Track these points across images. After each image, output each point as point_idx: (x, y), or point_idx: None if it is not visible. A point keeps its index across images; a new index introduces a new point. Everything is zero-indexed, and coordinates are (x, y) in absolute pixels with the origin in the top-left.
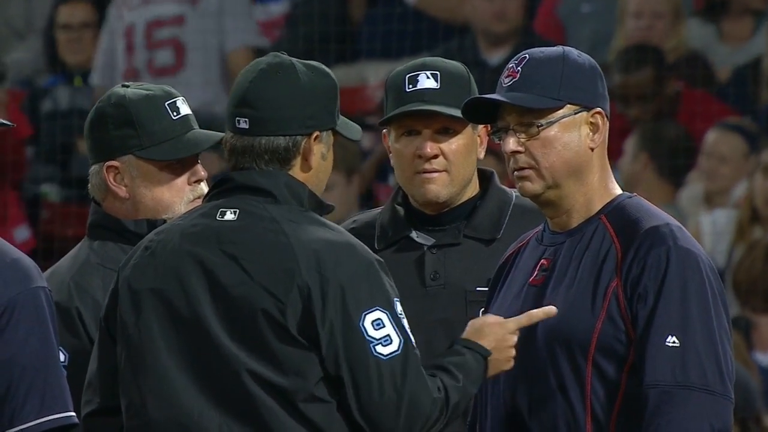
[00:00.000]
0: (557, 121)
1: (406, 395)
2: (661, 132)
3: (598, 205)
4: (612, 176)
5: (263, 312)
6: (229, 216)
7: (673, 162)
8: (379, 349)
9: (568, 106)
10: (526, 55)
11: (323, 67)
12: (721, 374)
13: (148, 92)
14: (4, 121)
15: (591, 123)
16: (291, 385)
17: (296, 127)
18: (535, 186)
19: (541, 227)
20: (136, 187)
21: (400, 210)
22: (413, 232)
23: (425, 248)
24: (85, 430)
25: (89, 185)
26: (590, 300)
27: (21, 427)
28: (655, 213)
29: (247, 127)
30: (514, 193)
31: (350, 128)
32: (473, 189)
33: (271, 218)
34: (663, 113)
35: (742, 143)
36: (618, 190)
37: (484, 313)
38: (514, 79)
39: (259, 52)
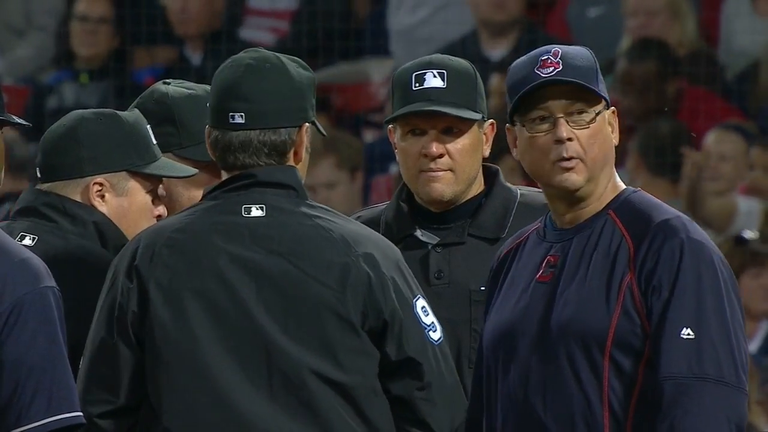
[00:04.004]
0: (600, 113)
1: (457, 379)
2: (659, 128)
3: (605, 200)
4: (615, 171)
5: (324, 306)
6: (256, 212)
7: (673, 159)
8: (431, 334)
9: (602, 101)
10: (558, 49)
11: (302, 61)
12: (736, 366)
13: (190, 91)
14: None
15: (612, 119)
16: (351, 380)
17: (291, 119)
18: (580, 178)
19: (539, 224)
20: (173, 185)
21: (405, 207)
22: (417, 230)
23: (429, 247)
24: (100, 429)
25: None
26: (604, 295)
27: (28, 427)
28: (663, 206)
29: (243, 121)
30: (519, 191)
31: (318, 124)
32: (478, 186)
33: (301, 213)
34: (663, 109)
35: (742, 142)
36: (622, 185)
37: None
38: (557, 69)
39: None
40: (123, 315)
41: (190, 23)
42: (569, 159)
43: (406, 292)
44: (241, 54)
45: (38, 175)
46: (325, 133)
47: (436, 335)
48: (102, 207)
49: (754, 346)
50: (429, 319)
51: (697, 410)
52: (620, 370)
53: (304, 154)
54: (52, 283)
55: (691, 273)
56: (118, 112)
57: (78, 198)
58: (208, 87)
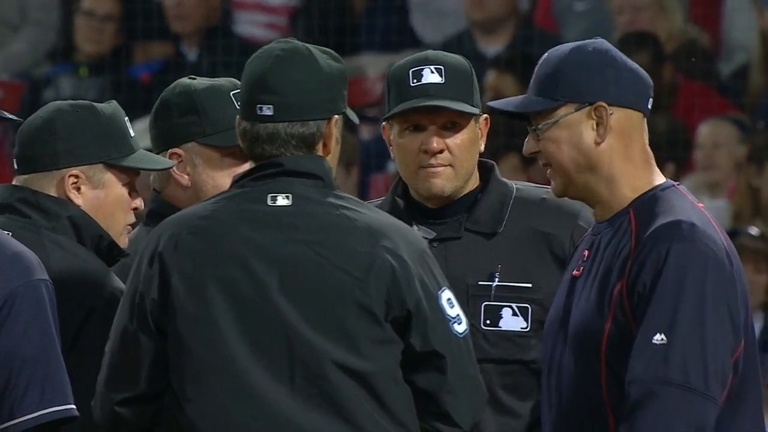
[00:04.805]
0: (556, 121)
1: (478, 372)
2: (656, 125)
3: (629, 197)
4: (647, 166)
5: (346, 296)
6: (282, 201)
7: (669, 155)
8: (456, 327)
9: (569, 104)
10: (546, 53)
11: (333, 52)
12: (706, 373)
13: (214, 83)
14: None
15: (597, 117)
16: (372, 370)
17: (320, 111)
18: (556, 185)
19: None
20: (198, 174)
21: (401, 203)
22: (414, 225)
23: (426, 242)
24: (120, 416)
25: (152, 174)
26: (600, 301)
27: (21, 419)
28: (676, 209)
29: (271, 113)
30: (514, 186)
31: (351, 112)
32: (474, 182)
33: (327, 203)
34: (659, 104)
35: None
36: (657, 180)
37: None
38: (533, 78)
39: None
40: (142, 302)
41: (186, 19)
42: (545, 167)
43: (431, 283)
44: (272, 44)
45: (15, 166)
46: (357, 120)
47: (460, 328)
48: (78, 199)
49: None
50: (454, 311)
51: (657, 413)
52: (616, 375)
53: (334, 146)
54: (44, 276)
55: (672, 277)
56: (95, 104)
57: (54, 191)
58: (234, 80)
